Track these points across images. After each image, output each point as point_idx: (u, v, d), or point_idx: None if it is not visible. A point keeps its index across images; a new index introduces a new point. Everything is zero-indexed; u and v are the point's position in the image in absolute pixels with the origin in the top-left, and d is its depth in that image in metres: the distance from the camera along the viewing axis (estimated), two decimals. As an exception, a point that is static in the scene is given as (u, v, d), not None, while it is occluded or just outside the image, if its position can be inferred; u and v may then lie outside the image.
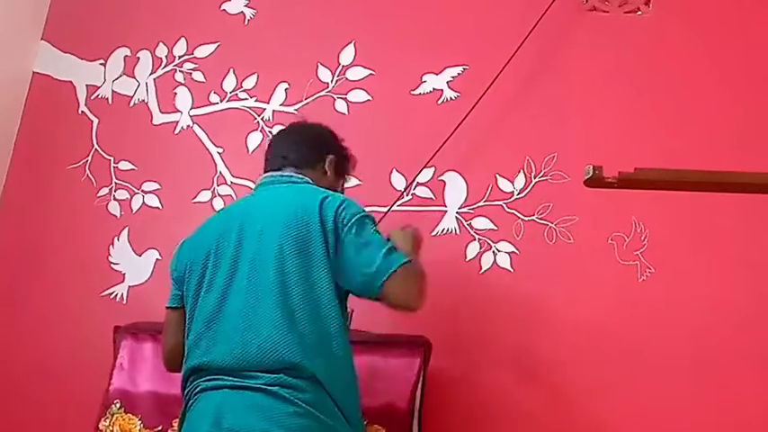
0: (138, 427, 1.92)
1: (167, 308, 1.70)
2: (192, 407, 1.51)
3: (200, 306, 1.57)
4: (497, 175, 2.19)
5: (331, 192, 1.63)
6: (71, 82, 2.55)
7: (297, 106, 2.36)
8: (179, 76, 2.48)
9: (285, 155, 1.74)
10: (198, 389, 1.51)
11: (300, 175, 1.70)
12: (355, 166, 1.86)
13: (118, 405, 1.94)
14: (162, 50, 2.51)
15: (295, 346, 1.46)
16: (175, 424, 1.88)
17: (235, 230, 1.59)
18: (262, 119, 2.38)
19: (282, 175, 1.71)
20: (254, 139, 2.36)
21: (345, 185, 1.86)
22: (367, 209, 1.62)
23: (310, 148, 1.77)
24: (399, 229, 1.72)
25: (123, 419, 1.93)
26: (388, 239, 1.59)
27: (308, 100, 2.35)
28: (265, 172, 1.75)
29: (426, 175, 2.22)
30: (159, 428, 1.91)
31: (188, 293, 1.62)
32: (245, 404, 1.43)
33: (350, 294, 1.58)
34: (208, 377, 1.50)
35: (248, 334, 1.48)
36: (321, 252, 1.52)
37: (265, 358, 1.46)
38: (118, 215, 2.39)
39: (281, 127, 1.88)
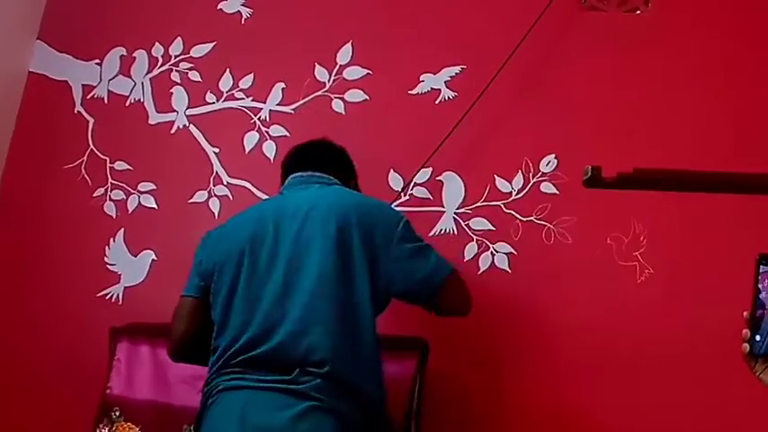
0: None
1: (183, 296, 1.69)
2: (212, 406, 1.52)
3: (234, 306, 1.57)
4: (495, 176, 2.18)
5: (365, 195, 1.66)
6: (67, 81, 2.54)
7: (294, 106, 2.35)
8: (175, 76, 2.47)
9: (319, 165, 1.76)
10: (219, 388, 1.52)
11: (329, 176, 1.73)
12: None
13: (118, 413, 1.93)
14: (158, 50, 2.50)
15: (324, 347, 1.49)
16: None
17: (270, 231, 1.59)
18: (258, 119, 2.37)
19: (313, 176, 1.72)
20: (251, 139, 2.35)
21: None
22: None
23: (339, 169, 1.81)
24: None
25: (123, 429, 1.92)
26: None
27: (305, 100, 2.34)
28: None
29: (424, 175, 2.21)
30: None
31: (218, 290, 1.61)
32: (268, 402, 1.46)
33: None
34: (231, 375, 1.51)
35: (279, 332, 1.50)
36: (362, 256, 1.55)
37: (293, 356, 1.48)
38: (114, 215, 2.38)
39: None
